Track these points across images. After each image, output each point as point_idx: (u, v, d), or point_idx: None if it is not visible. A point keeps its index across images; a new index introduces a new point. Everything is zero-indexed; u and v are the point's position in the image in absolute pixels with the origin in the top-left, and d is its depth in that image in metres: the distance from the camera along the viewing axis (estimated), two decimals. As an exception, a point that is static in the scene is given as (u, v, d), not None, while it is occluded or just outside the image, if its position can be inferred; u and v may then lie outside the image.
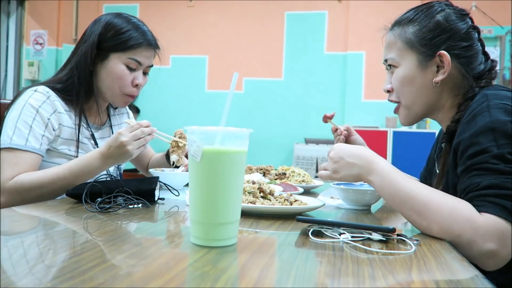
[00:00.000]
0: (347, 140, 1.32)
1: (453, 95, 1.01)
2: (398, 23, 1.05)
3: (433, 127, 4.24)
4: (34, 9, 5.06)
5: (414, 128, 4.28)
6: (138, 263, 0.57)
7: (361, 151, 0.93)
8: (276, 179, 1.41)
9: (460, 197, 0.84)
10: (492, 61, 1.03)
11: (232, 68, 4.69)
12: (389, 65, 1.06)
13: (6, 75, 5.07)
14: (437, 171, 1.10)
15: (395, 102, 1.08)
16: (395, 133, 4.16)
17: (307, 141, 4.51)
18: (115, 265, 0.54)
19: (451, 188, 0.93)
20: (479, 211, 0.78)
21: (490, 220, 0.76)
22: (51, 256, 0.58)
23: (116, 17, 1.30)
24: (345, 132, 1.31)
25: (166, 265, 0.56)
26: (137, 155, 1.16)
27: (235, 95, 4.22)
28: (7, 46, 5.08)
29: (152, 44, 1.31)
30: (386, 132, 4.17)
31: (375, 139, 4.14)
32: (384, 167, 0.89)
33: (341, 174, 0.95)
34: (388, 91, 1.08)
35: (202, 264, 0.57)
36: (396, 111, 1.09)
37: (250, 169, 1.45)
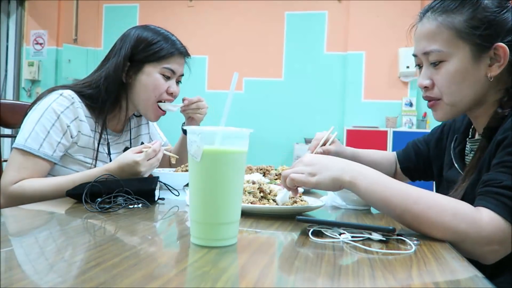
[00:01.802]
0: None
1: (497, 90, 0.93)
2: (440, 10, 0.92)
3: (433, 127, 4.24)
4: (34, 9, 5.06)
5: (414, 128, 4.29)
6: (138, 263, 0.57)
7: (339, 157, 0.86)
8: (276, 179, 1.41)
9: (479, 186, 0.82)
10: None
11: (232, 68, 4.69)
12: (434, 61, 0.93)
13: (6, 75, 5.07)
14: (454, 163, 1.06)
15: (435, 99, 0.96)
16: (395, 133, 4.16)
17: (307, 141, 4.51)
18: (115, 265, 0.54)
19: None
20: (486, 207, 0.77)
21: (494, 221, 0.75)
22: (50, 256, 0.58)
23: (145, 30, 1.32)
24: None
25: (166, 265, 0.56)
26: None
27: (235, 95, 4.22)
28: (7, 46, 5.08)
29: (183, 53, 1.35)
30: (386, 132, 4.18)
31: (375, 139, 4.14)
32: (369, 170, 0.82)
33: (317, 176, 0.83)
34: (426, 87, 0.96)
35: (202, 264, 0.57)
36: (433, 106, 0.98)
37: (250, 169, 1.45)
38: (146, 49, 1.28)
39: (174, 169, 1.40)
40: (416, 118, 4.34)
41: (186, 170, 1.35)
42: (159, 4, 5.03)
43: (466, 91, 0.92)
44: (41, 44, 5.03)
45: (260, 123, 4.71)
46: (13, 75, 5.07)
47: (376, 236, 0.74)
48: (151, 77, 1.29)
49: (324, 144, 1.24)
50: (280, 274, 0.57)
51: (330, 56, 4.69)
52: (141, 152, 1.15)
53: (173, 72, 1.32)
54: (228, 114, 0.71)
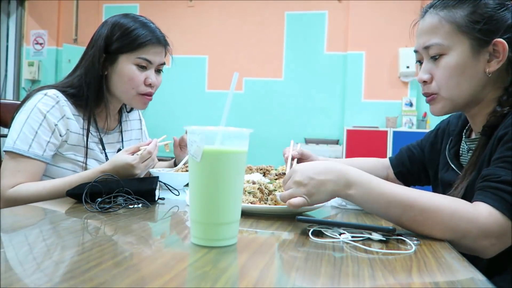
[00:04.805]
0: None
1: (495, 88, 0.93)
2: (441, 5, 0.93)
3: (433, 126, 4.24)
4: (34, 9, 5.06)
5: (414, 128, 4.29)
6: (138, 263, 0.57)
7: (328, 165, 0.83)
8: (276, 179, 1.41)
9: (478, 181, 0.82)
10: None
11: (232, 68, 4.69)
12: (434, 54, 0.93)
13: (6, 75, 5.07)
14: (451, 163, 1.05)
15: (433, 94, 0.96)
16: (395, 133, 4.16)
17: (307, 141, 4.51)
18: (115, 265, 0.54)
19: None
20: (484, 202, 0.77)
21: (492, 215, 0.75)
22: (50, 256, 0.58)
23: (123, 17, 1.29)
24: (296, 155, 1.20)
25: (166, 265, 0.56)
26: None
27: (235, 95, 4.22)
28: (7, 46, 5.08)
29: (160, 41, 1.30)
30: (386, 132, 4.17)
31: (375, 139, 4.14)
32: (361, 176, 0.81)
33: (316, 195, 0.82)
34: (425, 82, 0.97)
35: (202, 264, 0.57)
36: (431, 101, 0.97)
37: (250, 169, 1.44)
38: (121, 38, 1.24)
39: (174, 169, 1.40)
40: (416, 118, 4.34)
41: (186, 170, 1.35)
42: (159, 4, 5.03)
43: (464, 85, 0.92)
44: (41, 44, 5.03)
45: (260, 123, 4.71)
46: (13, 75, 5.07)
47: (376, 236, 0.74)
48: (125, 68, 1.25)
49: (292, 159, 1.22)
50: (280, 274, 0.57)
51: (330, 56, 4.69)
52: (134, 152, 1.15)
53: (149, 62, 1.27)
54: (228, 114, 0.71)
